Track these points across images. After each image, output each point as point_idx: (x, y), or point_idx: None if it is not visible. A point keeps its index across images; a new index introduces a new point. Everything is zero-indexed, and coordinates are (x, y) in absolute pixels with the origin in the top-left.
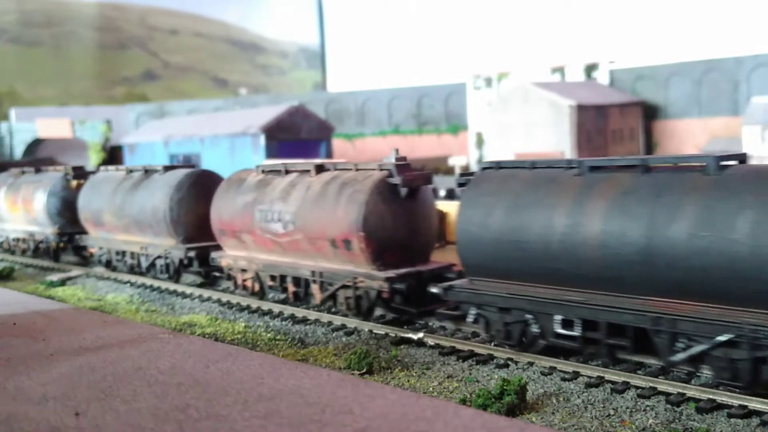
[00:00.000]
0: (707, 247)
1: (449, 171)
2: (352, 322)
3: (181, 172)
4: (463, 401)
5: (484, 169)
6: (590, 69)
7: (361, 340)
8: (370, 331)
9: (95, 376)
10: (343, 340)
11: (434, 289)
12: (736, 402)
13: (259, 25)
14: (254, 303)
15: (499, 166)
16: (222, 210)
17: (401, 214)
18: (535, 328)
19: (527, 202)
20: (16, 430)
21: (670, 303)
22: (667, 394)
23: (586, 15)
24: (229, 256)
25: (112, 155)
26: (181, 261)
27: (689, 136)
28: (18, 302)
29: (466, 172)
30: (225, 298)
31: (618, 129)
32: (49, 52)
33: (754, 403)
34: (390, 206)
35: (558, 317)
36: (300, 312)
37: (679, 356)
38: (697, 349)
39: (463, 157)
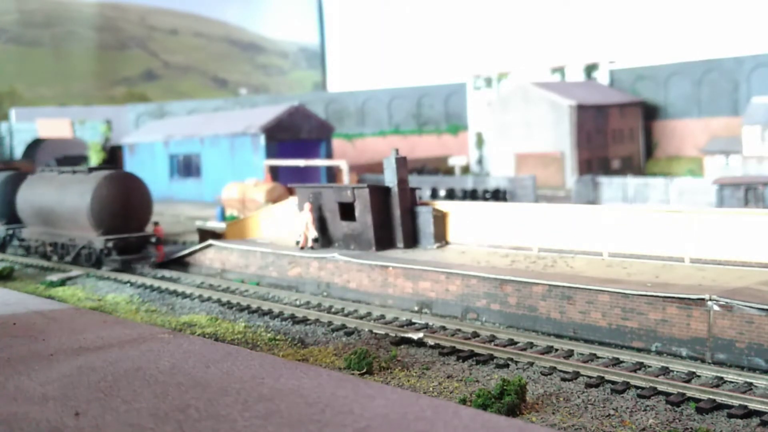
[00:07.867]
0: (71, 207)
1: (449, 171)
2: (352, 323)
3: None
4: (463, 401)
5: (42, 170)
6: (590, 69)
7: (361, 340)
8: (370, 331)
9: (95, 376)
10: (343, 340)
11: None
12: (736, 402)
13: (259, 25)
14: (254, 303)
15: (50, 169)
16: None
17: None
18: (44, 250)
19: (43, 186)
20: (16, 430)
21: (61, 231)
22: (667, 394)
23: (586, 15)
24: None
25: (113, 155)
26: None
27: (689, 136)
28: (18, 302)
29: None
30: (225, 298)
31: (618, 129)
32: (49, 52)
33: (755, 404)
34: None
35: (48, 242)
36: (300, 312)
37: (69, 257)
38: (74, 251)
39: (463, 157)
